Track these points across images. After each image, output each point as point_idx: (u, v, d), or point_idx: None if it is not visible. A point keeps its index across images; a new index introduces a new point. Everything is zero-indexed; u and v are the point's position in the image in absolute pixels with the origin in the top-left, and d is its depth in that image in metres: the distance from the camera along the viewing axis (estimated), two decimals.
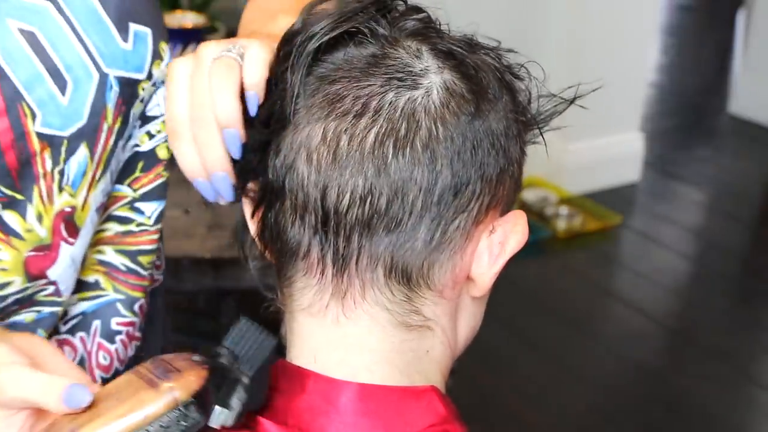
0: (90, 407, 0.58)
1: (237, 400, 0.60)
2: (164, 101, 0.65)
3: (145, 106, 0.81)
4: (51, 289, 0.79)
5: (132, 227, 0.86)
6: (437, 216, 0.60)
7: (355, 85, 0.59)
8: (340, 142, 0.58)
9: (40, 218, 0.75)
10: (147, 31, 0.78)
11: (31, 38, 0.71)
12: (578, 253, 2.96)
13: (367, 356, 0.62)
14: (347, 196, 0.59)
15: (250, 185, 0.64)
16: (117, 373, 0.89)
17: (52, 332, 0.84)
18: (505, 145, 0.62)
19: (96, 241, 0.84)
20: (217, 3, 2.42)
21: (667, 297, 2.80)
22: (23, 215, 0.75)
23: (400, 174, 0.58)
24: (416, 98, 0.59)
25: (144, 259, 0.88)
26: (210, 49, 0.63)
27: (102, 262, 0.86)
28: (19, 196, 0.74)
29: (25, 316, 0.80)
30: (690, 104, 4.26)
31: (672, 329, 2.65)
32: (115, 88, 0.76)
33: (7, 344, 0.60)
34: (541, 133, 0.67)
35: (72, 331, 0.86)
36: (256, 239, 0.66)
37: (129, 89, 0.77)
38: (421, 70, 0.60)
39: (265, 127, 0.61)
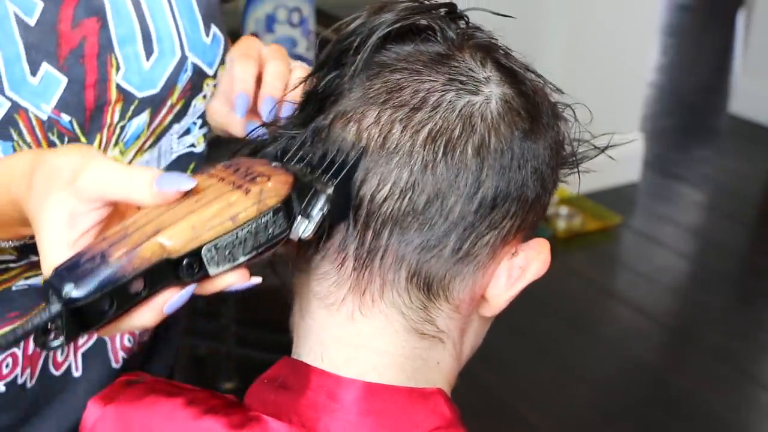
0: (170, 208, 0.53)
1: (318, 211, 0.57)
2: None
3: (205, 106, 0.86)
4: None
5: None
6: (470, 226, 0.59)
7: (416, 78, 0.59)
8: (393, 129, 0.58)
9: None
10: (221, 36, 0.85)
11: (136, 2, 0.79)
12: (578, 253, 2.96)
13: (376, 358, 0.62)
14: (388, 186, 0.58)
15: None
16: (134, 356, 0.91)
17: None
18: (546, 173, 0.62)
19: None
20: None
21: (667, 297, 2.80)
22: None
23: (446, 174, 0.58)
24: (475, 103, 0.59)
25: None
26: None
27: None
28: (83, 139, 0.78)
29: (41, 279, 0.82)
30: (690, 104, 4.26)
31: (672, 329, 2.65)
32: (189, 72, 0.82)
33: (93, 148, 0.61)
34: (576, 167, 0.68)
35: None
36: None
37: (198, 79, 0.83)
38: (484, 78, 0.60)
39: (319, 100, 0.61)
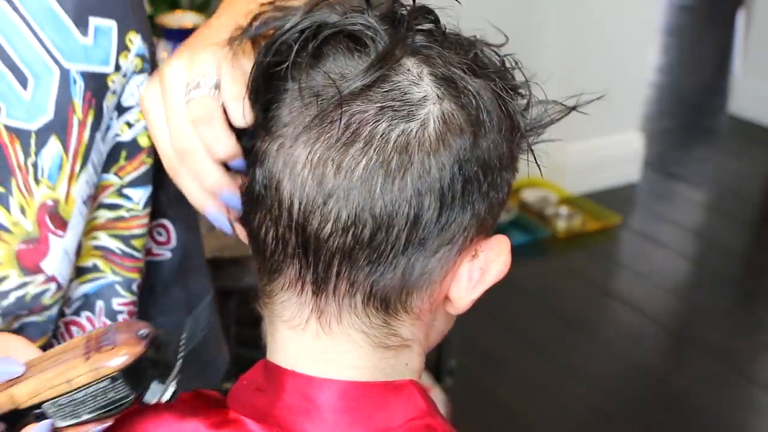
0: (36, 364, 0.61)
1: (170, 380, 0.62)
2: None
3: (119, 98, 0.82)
4: (53, 287, 0.80)
5: (122, 213, 0.87)
6: (420, 248, 0.58)
7: (347, 108, 0.56)
8: (327, 169, 0.56)
9: (23, 211, 0.76)
10: (111, 24, 0.78)
11: None
12: (578, 253, 2.96)
13: (346, 371, 0.62)
14: (330, 225, 0.57)
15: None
16: None
17: (60, 316, 0.86)
18: (498, 176, 0.60)
19: (90, 229, 0.85)
20: (217, 3, 2.42)
21: (667, 297, 2.80)
22: (7, 208, 0.76)
23: (386, 208, 0.56)
24: (411, 131, 0.57)
25: (137, 243, 0.89)
26: (175, 78, 0.63)
27: (98, 247, 0.87)
28: (1, 189, 0.75)
29: (38, 317, 0.82)
30: (690, 104, 4.26)
31: (672, 329, 2.65)
32: (80, 83, 0.77)
33: None
34: (531, 148, 0.64)
35: (77, 312, 0.87)
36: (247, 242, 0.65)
37: (95, 83, 0.78)
38: (418, 100, 0.58)
39: (251, 136, 0.61)
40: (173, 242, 0.97)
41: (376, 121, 0.56)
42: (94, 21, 0.77)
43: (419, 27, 0.60)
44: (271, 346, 0.65)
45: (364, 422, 0.61)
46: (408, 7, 0.60)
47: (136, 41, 0.80)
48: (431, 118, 0.57)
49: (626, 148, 3.35)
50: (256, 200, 0.60)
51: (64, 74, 0.76)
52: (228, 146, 0.61)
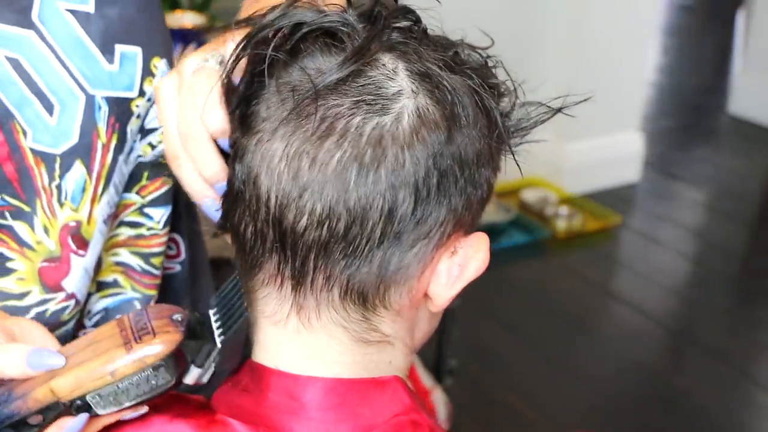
0: (70, 355, 0.61)
1: (210, 362, 0.63)
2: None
3: (143, 121, 0.83)
4: (72, 303, 0.81)
5: (143, 231, 0.88)
6: (395, 242, 0.58)
7: (322, 102, 0.57)
8: (302, 162, 0.57)
9: (46, 231, 0.78)
10: (137, 51, 0.79)
11: (16, 65, 0.74)
12: (578, 253, 2.96)
13: (329, 367, 0.62)
14: (305, 218, 0.57)
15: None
16: None
17: (78, 328, 0.87)
18: (475, 172, 0.60)
19: (111, 245, 0.87)
20: (217, 3, 2.42)
21: (667, 297, 2.80)
22: (32, 227, 0.77)
23: (360, 201, 0.57)
24: (385, 124, 0.57)
25: (156, 261, 0.90)
26: (190, 61, 0.63)
27: (119, 263, 0.88)
28: (25, 207, 0.76)
29: (56, 333, 0.82)
30: (690, 104, 4.26)
31: (672, 329, 2.65)
32: (105, 108, 0.78)
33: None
34: (512, 149, 0.64)
35: (97, 325, 0.88)
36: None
37: (120, 108, 0.79)
38: (393, 94, 0.58)
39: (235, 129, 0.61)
40: (182, 255, 0.98)
41: (350, 115, 0.57)
42: (120, 48, 0.78)
43: (396, 25, 0.61)
44: (255, 346, 0.66)
45: (349, 419, 0.61)
46: (389, 8, 0.61)
47: (160, 66, 0.81)
48: (405, 113, 0.57)
49: (626, 148, 3.35)
50: (236, 196, 0.60)
51: (90, 100, 0.77)
52: (218, 119, 0.61)
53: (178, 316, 0.62)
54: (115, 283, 0.88)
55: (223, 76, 0.61)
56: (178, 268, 0.98)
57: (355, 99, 0.57)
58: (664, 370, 2.46)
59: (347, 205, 0.57)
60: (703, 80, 4.52)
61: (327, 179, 0.56)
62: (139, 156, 0.84)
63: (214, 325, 0.64)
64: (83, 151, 0.77)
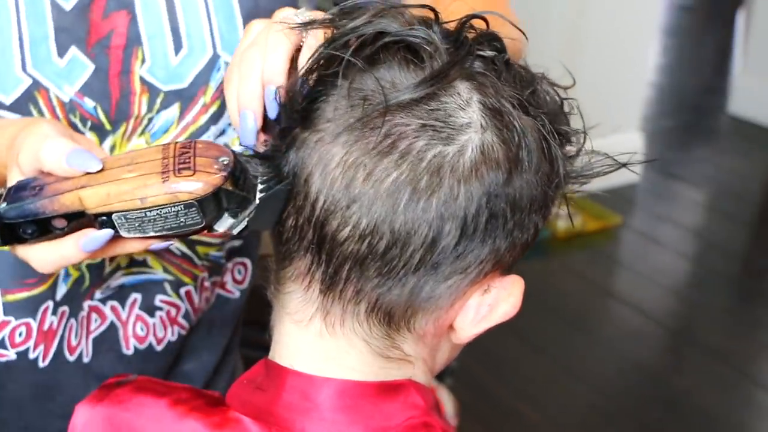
0: (109, 168, 0.59)
1: (245, 216, 0.60)
2: None
3: None
4: None
5: None
6: (432, 272, 0.58)
7: (389, 118, 0.56)
8: (357, 174, 0.56)
9: (111, 150, 0.81)
10: None
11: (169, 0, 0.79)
12: (578, 253, 2.96)
13: (346, 372, 0.62)
14: (348, 229, 0.57)
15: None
16: (151, 346, 0.92)
17: (86, 298, 0.87)
18: (526, 217, 0.60)
19: None
20: None
21: (667, 297, 2.80)
22: (101, 143, 0.80)
23: (405, 225, 0.56)
24: (447, 154, 0.56)
25: (202, 249, 0.90)
26: (284, 11, 0.64)
27: None
28: (107, 125, 0.80)
29: None
30: (690, 104, 4.26)
31: (672, 329, 2.65)
32: (222, 72, 0.81)
33: (52, 124, 0.63)
34: (565, 199, 0.64)
35: (105, 301, 0.88)
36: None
37: None
38: (461, 125, 0.57)
39: (293, 120, 0.60)
40: (246, 283, 0.98)
41: (415, 137, 0.56)
42: None
43: (480, 53, 0.60)
44: (273, 344, 0.66)
45: (362, 421, 0.61)
46: (477, 31, 0.60)
47: None
48: (470, 146, 0.57)
49: (626, 148, 3.34)
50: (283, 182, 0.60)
51: (214, 58, 0.81)
52: (277, 65, 0.60)
53: (224, 159, 0.59)
54: (143, 263, 0.88)
55: (305, 65, 0.60)
56: (237, 294, 0.98)
57: (422, 122, 0.57)
58: (664, 370, 2.46)
59: (392, 226, 0.56)
60: (703, 80, 4.51)
61: (378, 196, 0.56)
62: (226, 145, 0.85)
63: (259, 179, 0.61)
64: (186, 98, 0.81)
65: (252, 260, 0.97)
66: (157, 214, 0.58)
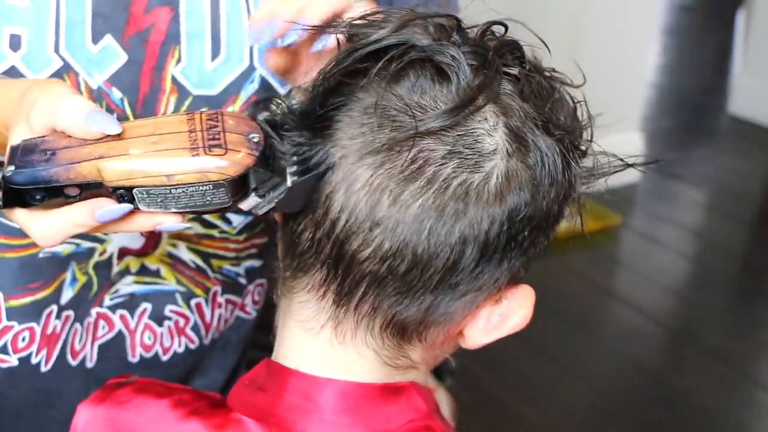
0: (130, 136, 0.55)
1: (273, 197, 0.58)
2: None
3: None
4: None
5: (214, 233, 0.88)
6: (449, 291, 0.59)
7: (417, 143, 0.55)
8: (383, 197, 0.56)
9: None
10: None
11: (214, 2, 0.77)
12: (578, 253, 2.96)
13: (352, 378, 0.62)
14: (369, 250, 0.57)
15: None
16: (156, 355, 0.91)
17: (94, 305, 0.86)
18: (541, 234, 0.61)
19: (174, 235, 0.86)
20: None
21: (667, 297, 2.80)
22: None
23: (428, 249, 0.56)
24: (473, 182, 0.56)
25: (217, 263, 0.89)
26: None
27: (171, 255, 0.88)
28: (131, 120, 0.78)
29: (63, 248, 0.82)
30: (689, 104, 4.26)
31: (672, 329, 2.65)
32: (255, 85, 0.80)
33: (69, 86, 0.60)
34: (578, 203, 0.65)
35: (114, 309, 0.88)
36: (280, 227, 0.65)
37: (265, 94, 0.80)
38: (488, 152, 0.57)
39: (307, 127, 0.58)
40: (262, 302, 0.98)
41: (442, 164, 0.56)
42: None
43: (507, 70, 0.59)
44: (278, 346, 0.66)
45: (363, 423, 0.61)
46: (497, 37, 0.60)
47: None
48: (495, 173, 0.57)
49: (626, 148, 3.34)
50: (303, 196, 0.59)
51: (248, 70, 0.79)
52: (320, 11, 0.63)
53: (255, 137, 0.57)
54: (156, 273, 0.88)
55: (323, 75, 0.59)
56: (254, 314, 0.97)
57: (449, 149, 0.56)
58: (664, 370, 2.46)
59: (415, 250, 0.56)
60: (703, 80, 4.51)
61: (403, 221, 0.56)
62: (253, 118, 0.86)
63: (292, 159, 0.59)
64: (214, 105, 0.79)
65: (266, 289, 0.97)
66: (183, 191, 0.55)
